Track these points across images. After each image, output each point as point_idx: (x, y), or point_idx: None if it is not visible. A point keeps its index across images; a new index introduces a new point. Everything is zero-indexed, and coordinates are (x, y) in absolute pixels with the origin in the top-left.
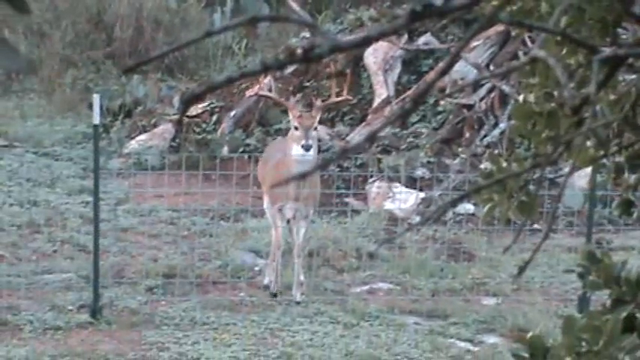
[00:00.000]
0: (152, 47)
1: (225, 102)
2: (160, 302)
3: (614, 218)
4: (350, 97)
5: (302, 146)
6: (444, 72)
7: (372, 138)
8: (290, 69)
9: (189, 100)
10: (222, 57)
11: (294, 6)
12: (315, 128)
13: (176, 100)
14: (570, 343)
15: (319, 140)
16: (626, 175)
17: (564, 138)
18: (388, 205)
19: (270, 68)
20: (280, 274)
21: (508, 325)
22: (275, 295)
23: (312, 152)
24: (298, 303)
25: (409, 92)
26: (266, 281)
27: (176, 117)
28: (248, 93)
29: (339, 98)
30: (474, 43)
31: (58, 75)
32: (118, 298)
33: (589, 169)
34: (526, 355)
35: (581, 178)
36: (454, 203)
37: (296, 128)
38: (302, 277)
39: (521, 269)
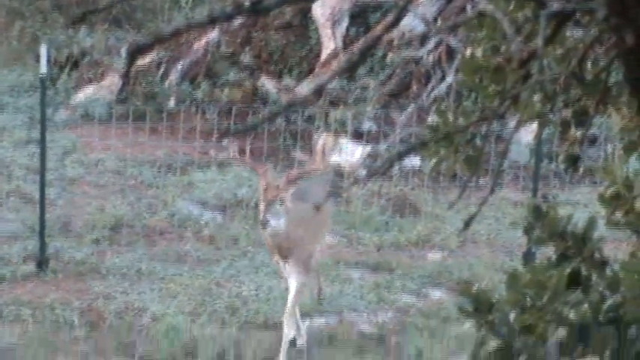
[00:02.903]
0: None
1: (172, 54)
2: (107, 252)
3: (560, 173)
4: (320, 167)
5: (260, 221)
6: (392, 25)
7: (319, 90)
8: (238, 21)
9: (136, 52)
10: (170, 9)
11: None
12: (281, 202)
13: (123, 52)
14: (515, 298)
15: (285, 210)
16: (572, 130)
17: (511, 92)
18: (335, 158)
19: (218, 20)
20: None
21: (454, 278)
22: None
23: (272, 227)
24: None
25: (357, 45)
26: (291, 335)
27: (123, 69)
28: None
29: (313, 167)
30: None
31: (5, 26)
32: (65, 249)
33: (535, 124)
34: (471, 308)
35: (528, 133)
36: (400, 156)
37: (261, 200)
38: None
39: (467, 223)
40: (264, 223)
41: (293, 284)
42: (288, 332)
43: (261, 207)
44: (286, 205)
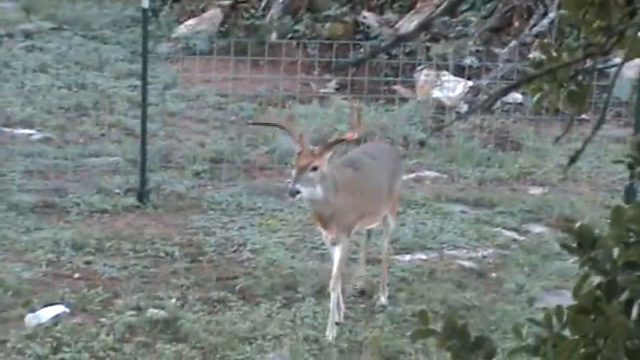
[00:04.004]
0: None
1: None
2: (207, 187)
3: None
4: (355, 135)
5: (288, 189)
6: None
7: (425, 25)
8: None
9: None
10: None
11: None
12: (314, 169)
13: None
14: (619, 233)
15: (323, 177)
16: None
17: (617, 28)
18: (436, 93)
19: None
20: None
21: (554, 214)
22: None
23: (308, 193)
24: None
25: None
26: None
27: (229, 2)
28: None
29: (345, 136)
30: None
31: None
32: (165, 182)
33: (638, 60)
34: (574, 244)
35: (630, 68)
36: (504, 92)
37: (292, 166)
38: (337, 317)
39: (573, 159)
40: (293, 193)
41: (336, 254)
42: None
43: (293, 173)
44: (321, 172)
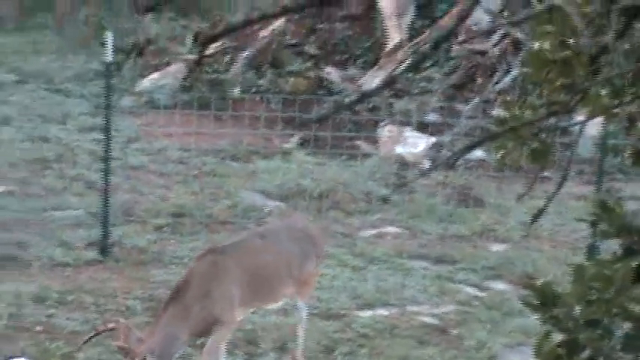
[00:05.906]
0: None
1: (237, 42)
2: (169, 241)
3: (624, 167)
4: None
5: None
6: (463, 17)
7: (389, 82)
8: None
9: (206, 41)
10: None
11: None
12: None
13: (188, 39)
14: (581, 291)
15: None
16: (639, 124)
17: (580, 86)
18: (399, 149)
19: (291, 11)
20: None
21: (516, 271)
22: None
23: None
24: None
25: (423, 36)
26: None
27: (193, 57)
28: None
29: (99, 329)
30: None
31: (71, 12)
32: (127, 236)
33: (600, 118)
34: (536, 302)
35: (592, 126)
36: (468, 149)
37: None
38: None
39: (535, 216)
40: None
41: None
42: None
43: None
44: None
